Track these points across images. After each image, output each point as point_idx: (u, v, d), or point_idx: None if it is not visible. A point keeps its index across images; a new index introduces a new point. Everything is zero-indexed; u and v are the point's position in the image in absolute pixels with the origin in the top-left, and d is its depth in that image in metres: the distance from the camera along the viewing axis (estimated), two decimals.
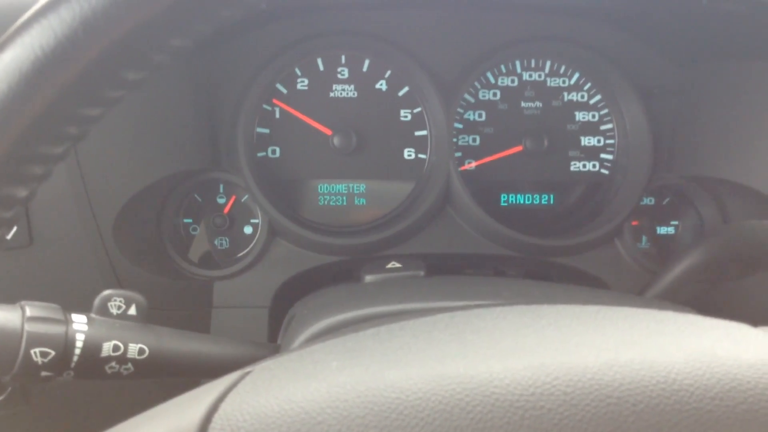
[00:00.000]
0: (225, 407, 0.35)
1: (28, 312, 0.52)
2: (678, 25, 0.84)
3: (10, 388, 0.72)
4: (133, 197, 0.77)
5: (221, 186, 0.88)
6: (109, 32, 0.31)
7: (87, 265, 0.72)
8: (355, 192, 0.92)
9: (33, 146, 0.32)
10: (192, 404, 0.36)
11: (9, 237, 0.32)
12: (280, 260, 0.87)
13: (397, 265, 0.72)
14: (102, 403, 0.68)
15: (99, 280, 0.72)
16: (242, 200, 0.89)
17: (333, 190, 0.91)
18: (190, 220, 0.88)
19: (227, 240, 0.89)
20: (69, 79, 0.31)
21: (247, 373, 0.38)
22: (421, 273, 0.71)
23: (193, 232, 0.88)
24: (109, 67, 0.32)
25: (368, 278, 0.71)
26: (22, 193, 0.33)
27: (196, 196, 0.88)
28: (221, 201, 0.89)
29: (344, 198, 0.91)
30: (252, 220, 0.89)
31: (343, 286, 0.76)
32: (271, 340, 0.80)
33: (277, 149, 0.90)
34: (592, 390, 0.33)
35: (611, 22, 0.90)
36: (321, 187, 0.91)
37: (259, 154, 0.89)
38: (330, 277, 0.82)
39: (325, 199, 0.91)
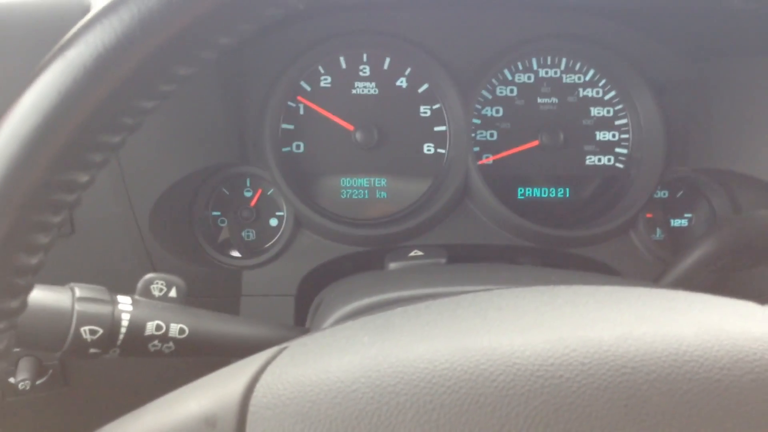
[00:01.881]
0: (266, 378, 0.37)
1: (78, 293, 0.55)
2: (690, 22, 0.86)
3: (51, 371, 0.76)
4: (167, 190, 0.80)
5: (248, 180, 0.91)
6: (164, 31, 0.34)
7: (124, 252, 0.76)
8: (377, 186, 0.94)
9: (94, 135, 0.35)
10: (234, 376, 0.38)
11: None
12: (305, 250, 0.90)
13: (420, 253, 0.75)
14: (137, 385, 0.71)
15: (136, 267, 0.75)
16: (268, 193, 0.91)
17: (355, 183, 0.94)
18: (218, 213, 0.91)
19: (254, 232, 0.92)
20: (127, 74, 0.34)
21: (284, 348, 0.41)
22: (443, 260, 0.74)
23: (221, 224, 0.91)
24: (163, 63, 0.35)
25: (392, 265, 0.73)
26: (83, 178, 0.36)
27: (224, 189, 0.91)
28: (248, 194, 0.91)
29: (366, 191, 0.94)
30: (277, 213, 0.92)
31: (368, 273, 0.78)
32: (298, 326, 0.83)
33: (302, 144, 0.93)
34: (607, 360, 0.35)
35: (625, 20, 0.92)
36: (343, 180, 0.94)
37: (284, 149, 0.92)
38: (353, 267, 0.85)
39: (347, 193, 0.94)
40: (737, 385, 0.34)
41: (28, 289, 0.36)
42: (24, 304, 0.37)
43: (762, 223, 0.74)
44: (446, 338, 0.38)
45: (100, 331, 0.55)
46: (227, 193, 0.91)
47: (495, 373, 0.35)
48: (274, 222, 0.92)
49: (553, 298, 0.43)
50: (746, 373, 0.34)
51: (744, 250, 0.76)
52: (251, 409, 0.36)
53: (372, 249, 0.90)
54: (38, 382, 0.74)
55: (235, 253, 0.90)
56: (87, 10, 0.69)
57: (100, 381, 0.79)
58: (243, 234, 0.92)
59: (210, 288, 0.83)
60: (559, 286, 0.47)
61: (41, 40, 0.69)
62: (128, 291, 0.59)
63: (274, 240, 0.91)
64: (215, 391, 0.37)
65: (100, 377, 0.79)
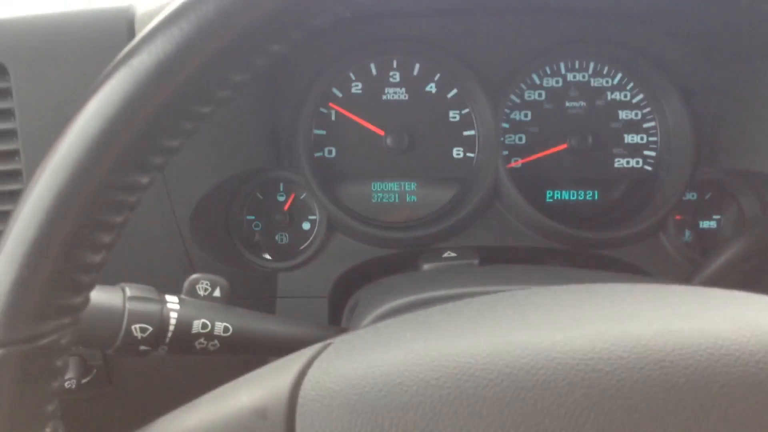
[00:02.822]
0: (313, 372, 0.39)
1: (129, 292, 0.58)
2: (717, 25, 0.86)
3: (95, 371, 0.78)
4: (206, 195, 0.82)
5: (281, 184, 0.93)
6: (220, 39, 0.36)
7: (166, 255, 0.78)
8: (407, 190, 0.95)
9: (155, 139, 0.36)
10: (283, 370, 0.39)
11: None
12: (338, 253, 0.92)
13: (453, 254, 0.76)
14: (178, 385, 0.73)
15: (177, 269, 0.78)
16: (301, 198, 0.93)
17: (386, 188, 0.95)
18: (252, 217, 0.93)
19: (287, 235, 0.94)
20: (186, 80, 0.36)
21: (329, 344, 0.42)
22: (476, 261, 0.75)
23: (256, 228, 0.93)
24: (219, 70, 0.37)
25: (426, 266, 0.75)
26: (144, 180, 0.38)
27: (258, 194, 0.93)
28: (281, 199, 0.93)
29: (396, 195, 0.95)
30: (310, 217, 0.94)
31: (404, 274, 0.80)
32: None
33: (333, 149, 0.95)
34: (646, 355, 0.36)
35: (652, 24, 0.93)
36: (374, 185, 0.95)
37: (317, 154, 0.94)
38: (385, 269, 0.86)
39: (378, 197, 0.95)
40: None
41: (91, 286, 0.38)
42: (87, 300, 0.39)
43: None
44: (487, 334, 0.39)
45: (150, 328, 0.57)
46: (261, 197, 0.93)
47: (536, 368, 0.36)
48: (306, 225, 0.94)
49: (590, 295, 0.44)
50: None
51: None
52: (300, 401, 0.37)
53: (404, 251, 0.91)
54: (83, 381, 0.76)
55: (268, 256, 0.92)
56: (132, 20, 0.72)
57: (142, 381, 0.81)
58: (276, 237, 0.94)
59: (247, 290, 0.85)
60: (596, 284, 0.48)
61: (87, 49, 0.72)
62: (169, 291, 0.61)
63: (308, 243, 0.93)
64: (265, 384, 0.39)
65: (142, 377, 0.81)
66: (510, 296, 0.46)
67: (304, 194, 0.93)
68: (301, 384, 0.38)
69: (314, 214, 0.93)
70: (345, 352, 0.40)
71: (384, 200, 0.96)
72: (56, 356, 0.37)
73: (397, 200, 0.96)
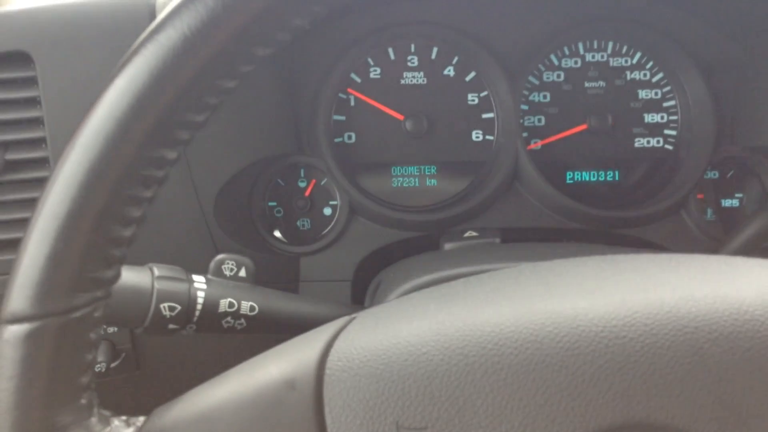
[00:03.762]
0: (339, 344, 0.40)
1: (157, 272, 0.59)
2: (734, 0, 0.86)
3: (124, 354, 0.80)
4: (229, 180, 0.83)
5: (302, 170, 0.94)
6: (243, 14, 0.37)
7: (191, 238, 0.79)
8: (427, 173, 0.96)
9: (182, 113, 0.37)
10: (310, 342, 0.41)
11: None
12: (359, 237, 0.92)
13: (474, 234, 0.77)
14: (204, 368, 0.75)
15: (201, 251, 0.79)
16: (321, 183, 0.94)
17: (406, 172, 0.96)
18: (274, 203, 0.94)
19: (308, 221, 0.95)
20: (211, 54, 0.37)
21: (354, 318, 0.43)
22: (497, 240, 0.76)
23: (278, 215, 0.94)
24: (243, 45, 0.37)
25: (448, 246, 0.76)
26: (171, 155, 0.39)
27: (279, 180, 0.94)
28: (302, 185, 0.94)
29: (416, 179, 0.96)
30: (331, 202, 0.94)
31: (426, 254, 0.81)
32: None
33: (353, 135, 0.95)
34: (670, 321, 0.37)
35: (670, 2, 0.92)
36: (394, 169, 0.96)
37: (337, 140, 0.95)
38: (407, 251, 0.87)
39: (398, 181, 0.96)
40: None
41: (122, 260, 0.39)
42: (118, 274, 0.40)
43: None
44: (511, 303, 0.40)
45: (178, 307, 0.58)
46: (282, 183, 0.94)
47: (560, 335, 0.37)
48: (328, 211, 0.95)
49: (613, 265, 0.45)
50: None
51: None
52: (327, 372, 0.38)
53: (425, 234, 0.92)
54: (113, 365, 0.78)
55: (293, 241, 0.93)
56: (153, 8, 0.73)
57: (169, 364, 0.83)
58: (298, 223, 0.95)
59: (270, 273, 0.86)
60: (619, 254, 0.48)
61: (110, 37, 0.73)
62: (194, 273, 0.62)
63: (329, 227, 0.93)
64: (293, 356, 0.40)
65: (169, 360, 0.83)
66: (532, 267, 0.47)
67: (325, 180, 0.94)
68: (327, 355, 0.39)
69: (335, 200, 0.94)
70: (370, 325, 0.41)
71: (404, 185, 0.96)
72: (90, 329, 0.38)
73: (417, 184, 0.96)
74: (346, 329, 0.41)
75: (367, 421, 0.37)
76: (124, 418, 0.41)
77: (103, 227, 0.36)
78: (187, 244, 0.79)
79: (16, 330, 0.36)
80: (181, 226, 0.79)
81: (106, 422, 0.39)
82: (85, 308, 0.37)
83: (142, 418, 0.41)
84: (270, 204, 0.94)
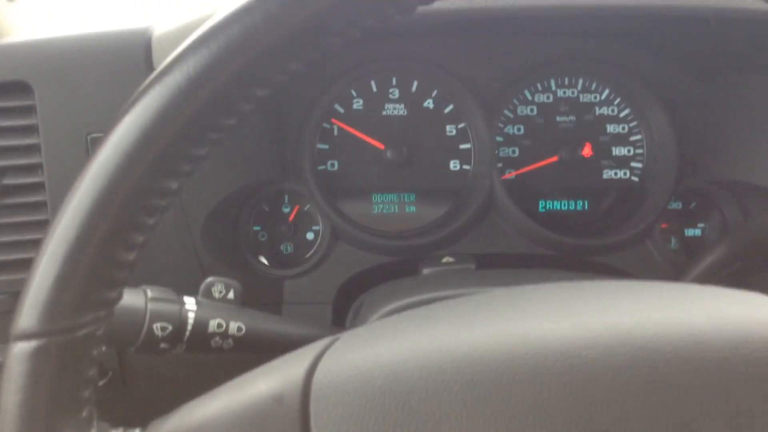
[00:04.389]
0: (324, 362, 0.41)
1: (150, 294, 0.62)
2: (696, 43, 0.91)
3: (110, 373, 0.82)
4: (217, 205, 0.86)
5: (286, 197, 0.98)
6: (244, 58, 0.40)
7: (180, 262, 0.82)
8: (406, 201, 1.00)
9: (185, 147, 0.39)
10: (297, 360, 0.42)
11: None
12: (341, 261, 0.96)
13: (451, 260, 0.80)
14: (188, 388, 0.77)
15: (189, 274, 0.82)
16: (305, 209, 0.98)
17: (386, 199, 1.00)
18: (259, 228, 0.97)
19: (292, 245, 0.98)
20: (214, 94, 0.39)
21: (338, 338, 0.46)
22: (473, 266, 0.79)
23: (262, 239, 0.97)
24: (243, 86, 0.40)
25: (426, 271, 0.79)
26: (174, 185, 0.40)
27: (264, 206, 0.97)
28: (286, 210, 0.98)
29: (396, 206, 1.00)
30: (314, 227, 0.98)
31: (405, 278, 0.84)
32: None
33: (336, 162, 0.99)
34: (628, 342, 0.39)
35: (637, 42, 0.98)
36: (375, 196, 0.99)
37: (320, 167, 0.98)
38: (386, 275, 0.90)
39: (378, 207, 0.99)
40: (745, 363, 0.38)
41: (125, 282, 0.42)
42: (120, 295, 0.42)
43: None
44: (484, 326, 0.42)
45: (170, 327, 0.61)
46: (267, 209, 0.97)
47: (528, 355, 0.39)
48: (310, 236, 0.98)
49: (578, 291, 0.47)
50: (753, 351, 0.39)
51: (755, 253, 0.80)
52: (314, 387, 0.40)
53: (404, 259, 0.95)
54: (100, 383, 0.80)
55: (277, 265, 0.96)
56: (149, 42, 0.76)
57: (154, 383, 0.85)
58: (282, 247, 0.98)
59: (255, 295, 0.89)
60: (584, 281, 0.52)
61: (107, 68, 0.76)
62: (182, 293, 0.65)
63: (312, 251, 0.97)
64: (281, 373, 0.42)
65: (154, 379, 0.85)
66: (505, 292, 0.49)
67: (308, 206, 0.97)
68: (314, 372, 0.41)
69: (318, 225, 0.97)
70: (354, 344, 0.43)
71: (384, 211, 1.00)
72: (93, 346, 0.40)
73: (396, 211, 1.00)
74: (331, 348, 0.43)
75: None
76: (120, 430, 0.42)
77: (108, 252, 0.39)
78: (175, 266, 0.82)
79: (24, 346, 0.38)
80: (170, 249, 0.82)
81: None
82: (89, 327, 0.39)
83: (137, 431, 0.42)
84: (255, 228, 0.97)
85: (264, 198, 0.96)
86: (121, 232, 0.39)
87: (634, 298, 0.45)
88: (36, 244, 0.71)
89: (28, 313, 0.38)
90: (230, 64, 0.39)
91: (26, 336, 0.38)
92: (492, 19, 0.89)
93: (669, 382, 0.38)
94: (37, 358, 0.37)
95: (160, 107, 0.38)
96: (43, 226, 0.76)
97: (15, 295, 0.76)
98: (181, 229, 0.82)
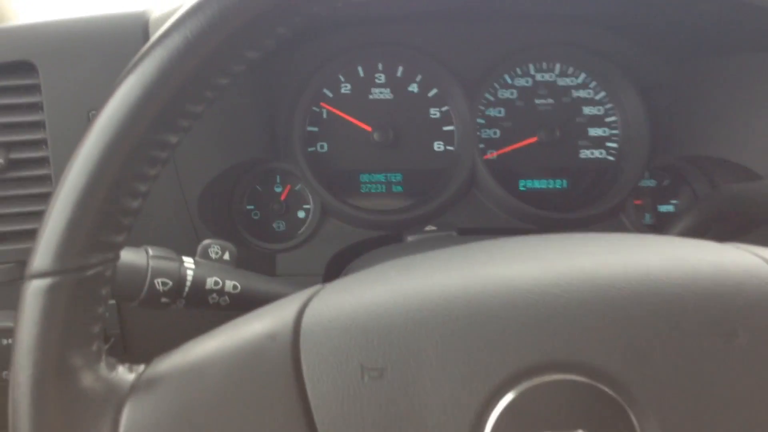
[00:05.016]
0: (313, 304, 0.45)
1: (151, 252, 0.66)
2: (668, 28, 0.96)
3: (113, 339, 0.86)
4: (211, 182, 0.90)
5: (278, 177, 1.02)
6: (237, 21, 0.44)
7: (177, 233, 0.86)
8: (393, 180, 1.04)
9: (183, 104, 0.42)
10: (288, 304, 0.46)
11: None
12: (331, 235, 1.00)
13: (434, 228, 0.85)
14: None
15: (186, 245, 0.86)
16: (296, 188, 1.02)
17: (373, 179, 1.04)
18: (252, 207, 1.02)
19: (284, 223, 1.02)
20: (209, 55, 0.44)
21: (324, 287, 0.48)
22: (454, 233, 0.84)
23: (255, 217, 1.02)
24: (236, 47, 0.44)
25: (410, 238, 0.84)
26: (173, 139, 0.44)
27: (257, 186, 1.01)
28: (278, 190, 1.02)
29: (383, 186, 1.04)
30: (304, 206, 1.02)
31: (390, 245, 0.88)
32: None
33: (325, 144, 1.03)
34: (588, 280, 0.43)
35: (612, 28, 1.03)
36: (363, 176, 1.04)
37: (310, 149, 1.02)
38: (373, 248, 0.94)
39: (366, 188, 1.04)
40: (694, 297, 0.42)
41: (130, 227, 0.45)
42: (126, 240, 0.46)
43: (738, 194, 0.82)
44: (458, 269, 0.46)
45: (170, 283, 0.65)
46: (260, 189, 1.02)
47: (498, 293, 0.43)
48: (301, 214, 1.02)
49: (545, 241, 0.52)
50: (701, 287, 0.43)
51: (721, 220, 0.84)
52: (303, 326, 0.43)
53: (390, 233, 1.00)
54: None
55: (269, 240, 1.01)
56: (146, 23, 0.81)
57: (155, 349, 0.89)
58: (274, 225, 1.02)
59: (248, 268, 0.93)
60: (552, 234, 0.55)
61: (107, 49, 0.81)
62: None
63: (304, 228, 1.01)
64: (274, 315, 0.45)
65: (154, 345, 0.89)
66: (478, 244, 0.53)
67: (299, 185, 1.01)
68: (303, 313, 0.44)
69: (308, 204, 1.01)
70: (339, 289, 0.47)
71: (372, 190, 1.04)
72: (102, 285, 0.43)
73: (384, 190, 1.04)
74: (320, 292, 0.47)
75: (337, 365, 0.42)
76: (127, 365, 0.46)
77: (115, 198, 0.42)
78: (174, 237, 0.86)
79: (39, 283, 0.40)
80: (169, 224, 0.85)
81: (112, 367, 0.44)
82: (98, 267, 0.42)
83: (142, 366, 0.46)
84: (248, 207, 1.01)
85: (257, 178, 1.01)
86: (126, 181, 0.42)
87: (596, 245, 0.49)
88: (40, 216, 0.75)
89: (43, 253, 0.41)
90: (223, 28, 0.42)
91: (41, 274, 0.40)
92: (473, 5, 0.94)
93: (625, 315, 0.42)
94: (51, 294, 0.40)
95: (161, 67, 0.42)
96: (47, 198, 0.79)
97: (21, 264, 0.80)
98: (179, 204, 0.86)
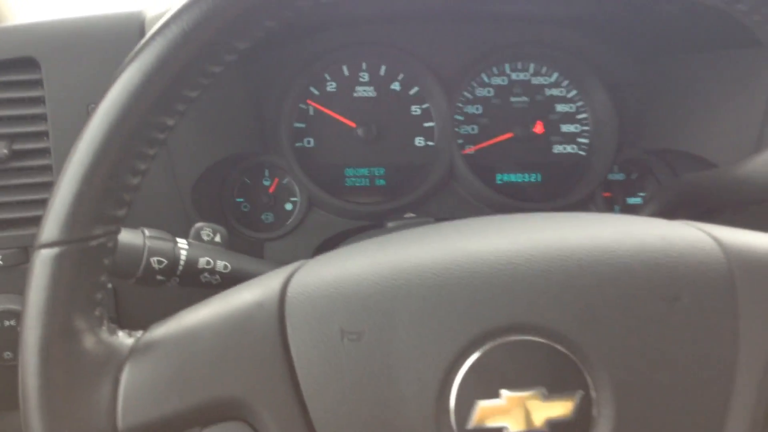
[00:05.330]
0: (297, 275, 0.49)
1: (147, 233, 0.71)
2: (635, 28, 1.02)
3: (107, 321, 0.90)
4: (203, 174, 0.94)
5: (266, 170, 1.06)
6: (227, 14, 0.48)
7: (170, 219, 0.90)
8: (376, 174, 1.09)
9: (179, 89, 0.46)
10: (275, 276, 0.49)
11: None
12: (317, 225, 1.05)
13: (413, 215, 0.90)
14: None
15: (179, 228, 0.90)
16: (284, 182, 1.07)
17: (357, 173, 1.09)
18: (242, 200, 1.06)
19: (272, 215, 1.07)
20: (204, 44, 0.47)
21: (307, 261, 0.51)
22: (432, 220, 0.89)
23: (244, 209, 1.06)
24: (228, 37, 0.47)
25: (390, 224, 0.89)
26: (170, 122, 0.47)
27: (246, 179, 1.06)
28: (267, 183, 1.06)
29: (367, 179, 1.09)
30: (292, 198, 1.06)
31: (371, 231, 0.94)
32: None
33: (311, 140, 1.08)
34: (548, 252, 0.47)
35: (583, 29, 1.08)
36: (347, 170, 1.08)
37: (297, 144, 1.07)
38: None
39: (351, 181, 1.09)
40: (643, 267, 0.46)
41: (131, 203, 0.49)
42: (126, 214, 0.50)
43: (695, 183, 0.87)
44: (431, 244, 0.50)
45: (165, 261, 0.70)
46: (249, 182, 1.06)
47: (467, 263, 0.47)
48: (289, 206, 1.06)
49: (510, 220, 0.55)
50: (650, 258, 0.47)
51: (682, 206, 0.89)
52: (288, 294, 0.47)
53: (373, 223, 1.05)
54: None
55: (258, 229, 1.05)
56: (142, 23, 0.86)
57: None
58: (263, 216, 1.06)
59: None
60: (517, 213, 0.59)
61: (105, 46, 0.85)
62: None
63: (291, 219, 1.06)
64: (261, 285, 0.49)
65: (146, 324, 0.93)
66: (450, 223, 0.57)
67: (287, 179, 1.06)
68: (288, 283, 0.47)
69: (296, 196, 1.06)
70: (322, 262, 0.51)
71: (356, 184, 1.09)
72: (104, 255, 0.46)
73: (367, 184, 1.09)
74: (304, 265, 0.51)
75: (319, 329, 0.45)
76: (126, 330, 0.50)
77: (117, 175, 0.44)
78: (165, 224, 0.90)
79: (47, 252, 0.43)
80: (163, 212, 0.89)
81: (113, 332, 0.47)
82: (101, 238, 0.45)
83: (141, 332, 0.49)
84: (238, 200, 1.06)
85: (246, 171, 1.05)
86: (127, 159, 0.45)
87: (555, 222, 0.54)
88: (42, 204, 0.79)
89: (51, 225, 0.44)
90: (216, 21, 0.46)
91: (49, 244, 0.43)
92: (451, 6, 0.99)
93: (580, 282, 0.46)
94: (58, 262, 0.43)
95: (160, 55, 0.46)
96: (49, 187, 0.84)
97: (23, 249, 0.85)
98: (174, 195, 0.90)
